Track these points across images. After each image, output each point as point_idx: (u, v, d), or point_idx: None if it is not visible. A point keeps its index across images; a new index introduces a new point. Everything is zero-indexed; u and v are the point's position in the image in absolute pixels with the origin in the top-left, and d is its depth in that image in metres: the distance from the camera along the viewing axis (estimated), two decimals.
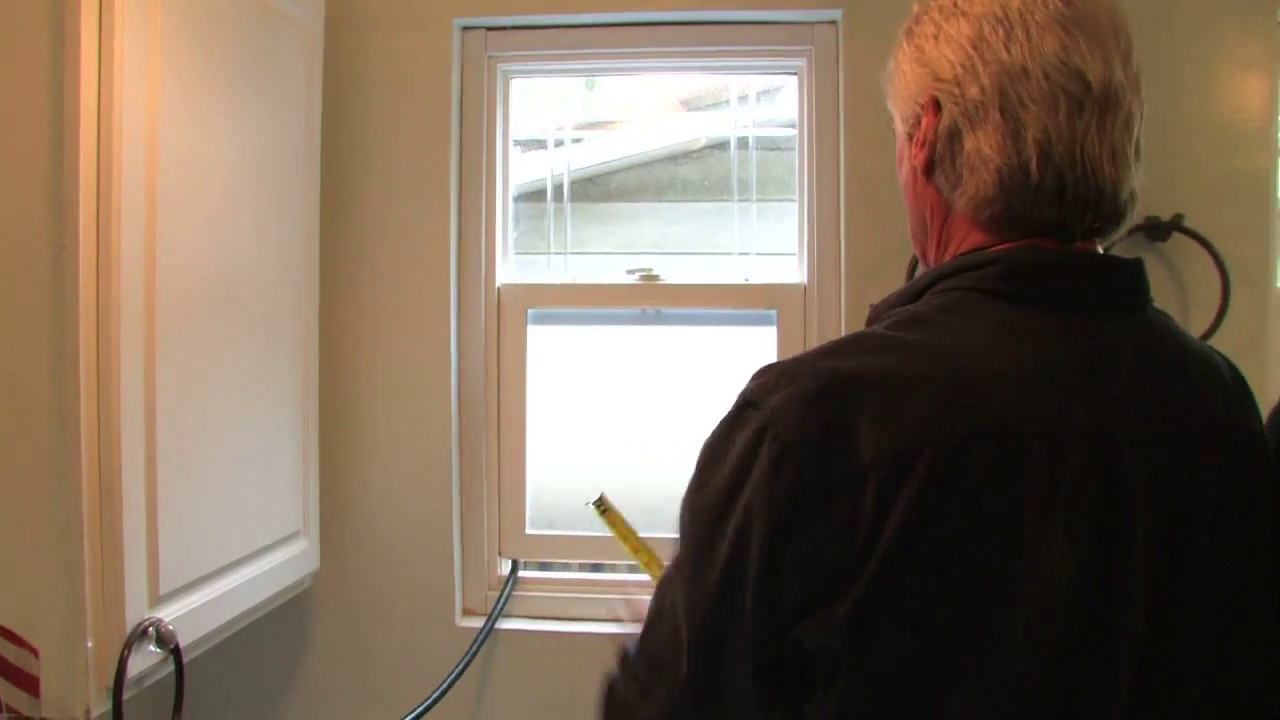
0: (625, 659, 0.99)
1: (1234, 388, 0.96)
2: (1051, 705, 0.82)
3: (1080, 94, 0.89)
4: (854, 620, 0.81)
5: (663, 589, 0.93)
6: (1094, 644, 0.82)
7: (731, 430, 0.89)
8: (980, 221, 0.95)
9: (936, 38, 0.96)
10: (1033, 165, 0.89)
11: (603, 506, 1.63)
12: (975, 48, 0.92)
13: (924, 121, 0.97)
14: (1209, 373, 0.95)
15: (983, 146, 0.92)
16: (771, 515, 0.83)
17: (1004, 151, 0.90)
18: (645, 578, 1.64)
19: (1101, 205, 0.91)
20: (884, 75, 1.08)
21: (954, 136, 0.94)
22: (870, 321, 0.98)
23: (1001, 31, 0.91)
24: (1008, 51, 0.90)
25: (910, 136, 1.01)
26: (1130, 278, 0.93)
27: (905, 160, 1.04)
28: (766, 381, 0.88)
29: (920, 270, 1.04)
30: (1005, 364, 0.85)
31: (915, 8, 1.01)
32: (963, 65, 0.93)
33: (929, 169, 0.98)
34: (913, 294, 0.97)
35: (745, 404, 0.88)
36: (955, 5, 0.95)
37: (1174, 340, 0.95)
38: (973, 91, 0.92)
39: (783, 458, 0.83)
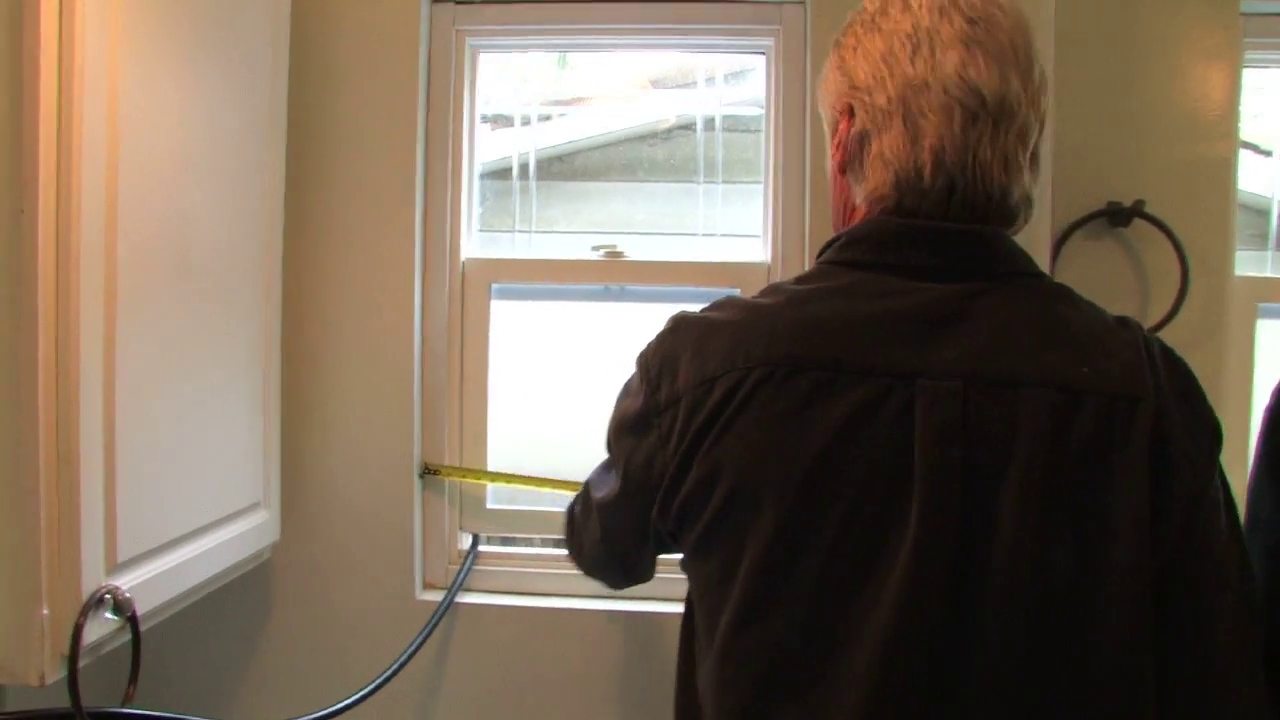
0: (581, 500, 1.30)
1: (1130, 360, 0.98)
2: (821, 620, 0.96)
3: (975, 106, 1.00)
4: (670, 513, 1.05)
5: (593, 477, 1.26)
6: (867, 562, 0.95)
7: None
8: (874, 214, 1.08)
9: (856, 49, 1.09)
10: (926, 170, 1.02)
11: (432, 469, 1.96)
12: (885, 61, 1.05)
13: (841, 126, 1.11)
14: (1079, 338, 0.99)
15: (885, 150, 1.04)
16: (630, 428, 1.10)
17: (901, 155, 1.03)
18: None
19: (989, 206, 1.03)
20: (818, 79, 1.20)
21: (864, 140, 1.07)
22: None
23: (909, 47, 1.03)
24: (912, 66, 1.02)
25: (833, 138, 1.15)
26: (973, 246, 1.03)
27: (829, 159, 1.17)
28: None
29: None
30: (799, 315, 1.01)
31: (846, 19, 1.14)
32: (874, 76, 1.05)
33: (843, 168, 1.12)
34: None
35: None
36: (874, 21, 1.08)
37: (1034, 307, 1.01)
38: (880, 100, 1.04)
39: (641, 384, 1.09)
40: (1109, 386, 0.95)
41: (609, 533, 1.20)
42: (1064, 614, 0.92)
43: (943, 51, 1.01)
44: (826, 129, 1.17)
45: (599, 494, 1.20)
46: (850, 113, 1.09)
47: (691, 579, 1.08)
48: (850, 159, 1.09)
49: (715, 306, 1.10)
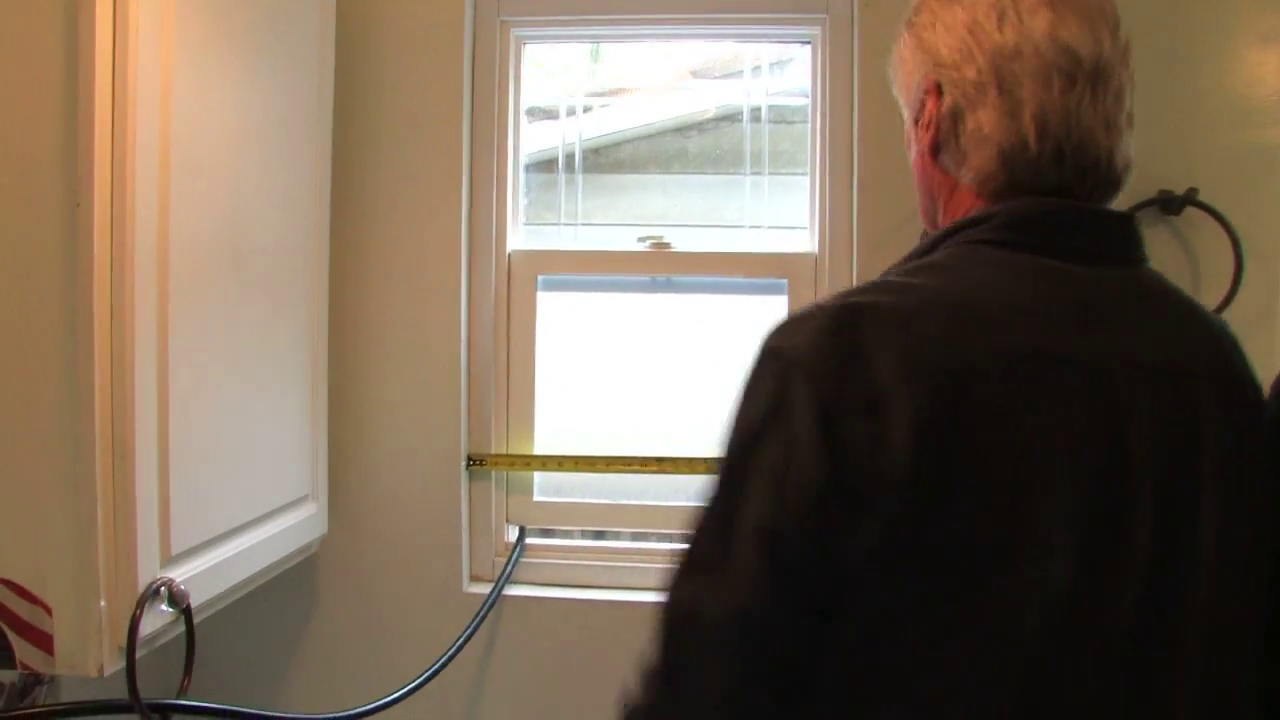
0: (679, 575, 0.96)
1: (1235, 347, 1.02)
2: (1053, 650, 0.86)
3: (1072, 69, 0.96)
4: (884, 538, 0.86)
5: (701, 516, 0.94)
6: (1100, 578, 0.88)
7: (758, 379, 0.93)
8: (986, 194, 1.02)
9: (934, 26, 1.04)
10: (1031, 139, 0.96)
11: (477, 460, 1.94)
12: (971, 32, 0.99)
13: (928, 105, 1.05)
14: (1207, 326, 1.01)
15: (983, 124, 0.99)
16: (803, 445, 0.87)
17: (1003, 128, 0.98)
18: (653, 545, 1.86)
19: (1099, 172, 0.98)
20: (889, 65, 1.16)
21: (956, 117, 1.01)
22: None
23: (994, 15, 0.98)
24: (1000, 33, 0.97)
25: (916, 121, 1.08)
26: (1123, 230, 1.00)
27: (913, 144, 1.10)
28: (785, 327, 0.94)
29: None
30: (1004, 299, 0.91)
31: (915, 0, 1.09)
32: (960, 50, 1.00)
33: (935, 150, 1.05)
34: (920, 254, 1.04)
35: (769, 352, 0.93)
36: None
37: (1170, 293, 1.01)
38: (970, 73, 0.99)
39: (810, 391, 0.87)
40: (1243, 375, 0.99)
41: (758, 598, 0.89)
42: (1245, 581, 0.95)
43: (1030, 15, 0.97)
44: (907, 113, 1.11)
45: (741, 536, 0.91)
46: (938, 91, 1.02)
47: (893, 600, 0.89)
48: (944, 138, 1.03)
49: (870, 291, 0.94)
